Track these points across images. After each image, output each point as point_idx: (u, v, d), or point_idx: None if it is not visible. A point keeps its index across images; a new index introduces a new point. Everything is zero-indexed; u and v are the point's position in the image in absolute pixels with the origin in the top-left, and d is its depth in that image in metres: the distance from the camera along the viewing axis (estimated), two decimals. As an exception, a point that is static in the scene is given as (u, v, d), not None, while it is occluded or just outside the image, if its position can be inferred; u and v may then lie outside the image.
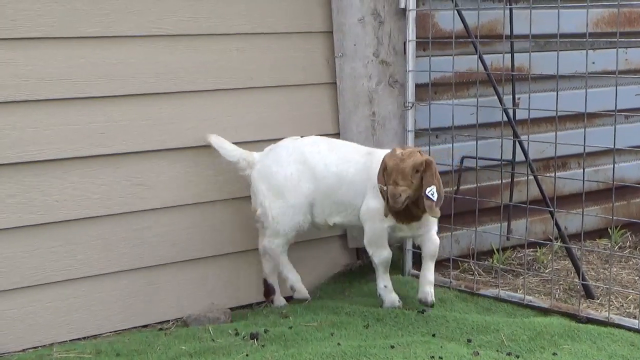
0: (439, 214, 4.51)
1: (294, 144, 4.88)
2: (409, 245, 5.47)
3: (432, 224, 4.77)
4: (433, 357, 4.12)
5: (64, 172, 4.60)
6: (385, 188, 4.50)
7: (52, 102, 4.55)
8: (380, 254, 4.78)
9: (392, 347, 4.26)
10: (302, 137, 4.95)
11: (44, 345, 4.59)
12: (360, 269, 5.52)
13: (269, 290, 5.04)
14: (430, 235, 4.81)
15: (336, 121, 5.40)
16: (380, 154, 4.66)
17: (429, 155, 4.76)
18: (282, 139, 5.03)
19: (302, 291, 5.00)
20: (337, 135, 5.39)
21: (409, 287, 5.26)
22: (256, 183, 4.85)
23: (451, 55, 5.33)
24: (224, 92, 5.02)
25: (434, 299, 4.79)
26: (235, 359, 4.14)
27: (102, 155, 4.69)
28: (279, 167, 4.83)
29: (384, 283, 4.88)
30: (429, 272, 4.81)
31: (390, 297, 4.88)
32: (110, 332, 4.75)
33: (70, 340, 4.65)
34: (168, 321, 4.92)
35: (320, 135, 5.12)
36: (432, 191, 4.46)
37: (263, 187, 4.83)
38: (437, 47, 5.49)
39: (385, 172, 4.50)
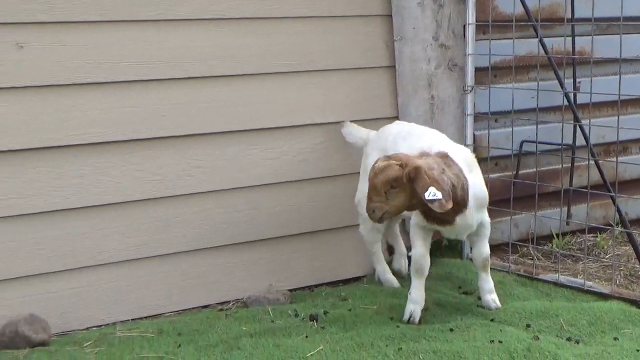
0: (450, 206, 4.14)
1: (397, 128, 4.85)
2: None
3: (481, 232, 4.57)
4: (492, 341, 4.11)
5: (126, 154, 4.65)
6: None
7: (115, 84, 4.60)
8: (414, 251, 4.57)
9: (451, 330, 4.26)
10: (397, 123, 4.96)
11: (107, 324, 4.66)
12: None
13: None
14: (480, 245, 4.64)
15: (395, 105, 5.39)
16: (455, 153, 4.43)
17: (472, 144, 4.87)
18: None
19: (388, 282, 4.97)
20: (395, 118, 5.37)
21: (467, 271, 5.26)
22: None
23: (511, 38, 5.31)
24: (284, 75, 5.03)
25: (498, 304, 4.69)
26: (295, 340, 4.17)
27: (162, 138, 4.73)
28: (372, 150, 4.82)
29: (412, 288, 4.55)
30: (484, 282, 4.69)
31: (410, 307, 4.53)
32: (172, 312, 4.79)
33: (132, 320, 4.71)
34: (228, 302, 4.94)
35: (379, 118, 5.13)
36: (431, 193, 4.14)
37: (361, 170, 4.86)
38: (496, 30, 5.46)
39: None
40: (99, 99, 4.56)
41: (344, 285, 5.21)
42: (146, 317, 4.75)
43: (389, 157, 4.23)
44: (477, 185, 4.39)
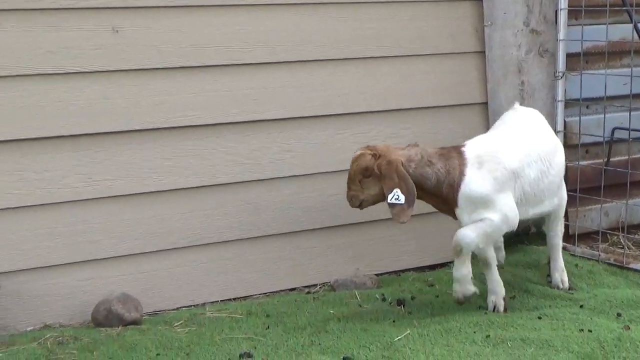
0: (407, 219, 4.15)
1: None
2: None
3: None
4: (582, 329, 4.08)
5: (218, 137, 4.71)
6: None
7: (207, 68, 4.66)
8: None
9: (540, 317, 4.24)
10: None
11: (197, 305, 4.72)
12: (506, 239, 5.39)
13: None
14: (472, 226, 4.36)
15: (484, 90, 5.36)
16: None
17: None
18: (429, 107, 5.07)
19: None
20: (484, 104, 5.35)
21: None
22: None
23: (604, 24, 5.24)
24: (373, 60, 5.04)
25: (566, 285, 4.68)
26: (382, 325, 4.19)
27: (254, 121, 4.78)
28: None
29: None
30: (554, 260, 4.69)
31: (460, 287, 4.38)
32: (260, 294, 4.83)
33: (221, 301, 4.77)
34: (315, 285, 4.97)
35: (467, 104, 5.12)
36: (395, 196, 4.17)
37: None
38: (589, 15, 5.39)
39: None
40: (191, 82, 4.62)
41: (430, 270, 5.22)
42: (235, 299, 4.80)
43: (367, 147, 4.28)
44: (472, 182, 4.24)
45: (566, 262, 4.96)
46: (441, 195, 4.25)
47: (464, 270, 4.28)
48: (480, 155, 4.30)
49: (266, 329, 4.24)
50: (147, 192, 4.60)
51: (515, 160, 4.34)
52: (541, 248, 5.27)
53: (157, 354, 3.95)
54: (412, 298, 4.61)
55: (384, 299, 4.65)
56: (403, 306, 4.48)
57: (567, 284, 4.71)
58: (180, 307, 4.69)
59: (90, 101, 4.43)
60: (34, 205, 4.38)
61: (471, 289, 4.31)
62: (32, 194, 4.37)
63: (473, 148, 4.33)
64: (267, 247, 4.87)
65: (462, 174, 4.24)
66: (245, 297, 4.83)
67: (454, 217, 4.33)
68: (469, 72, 5.31)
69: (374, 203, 4.32)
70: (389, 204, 4.13)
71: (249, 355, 3.84)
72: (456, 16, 5.25)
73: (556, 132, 5.32)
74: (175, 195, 4.66)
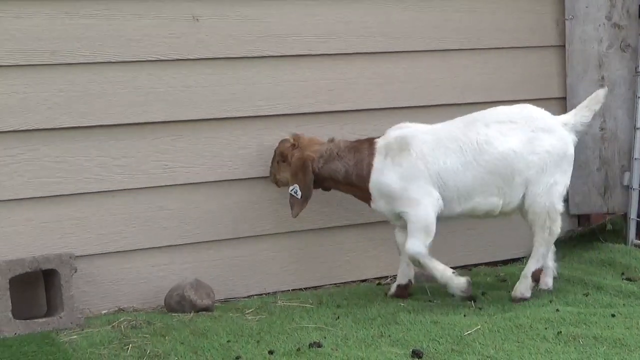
0: (297, 214, 4.42)
1: None
2: (633, 214, 5.31)
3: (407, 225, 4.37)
4: (657, 329, 4.00)
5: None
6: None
7: (283, 58, 4.70)
8: None
9: (613, 316, 4.18)
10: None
11: (269, 293, 4.77)
12: (581, 236, 5.42)
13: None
14: (408, 216, 4.39)
15: (563, 85, 5.31)
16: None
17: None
18: (508, 101, 4.90)
19: (458, 288, 4.47)
20: (563, 99, 5.30)
21: (631, 257, 5.12)
22: None
23: (689, 19, 5.12)
24: (452, 52, 5.03)
25: (517, 294, 4.46)
26: (452, 318, 4.18)
27: (329, 112, 4.80)
28: None
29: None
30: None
31: (455, 283, 4.39)
32: (331, 285, 4.85)
33: (292, 290, 4.81)
34: (386, 277, 4.97)
35: (547, 98, 5.07)
36: (294, 189, 4.41)
37: None
38: (675, 9, 5.25)
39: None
40: (269, 71, 4.66)
41: (502, 265, 5.19)
42: (306, 288, 4.84)
43: (294, 135, 4.48)
44: (378, 172, 4.35)
45: (634, 257, 4.87)
46: (355, 186, 4.43)
47: (439, 271, 4.37)
48: (388, 144, 4.34)
49: (336, 319, 4.24)
50: (221, 180, 4.65)
51: (424, 147, 4.32)
52: (617, 246, 5.21)
53: (228, 341, 3.98)
54: (483, 293, 4.59)
55: (454, 294, 4.56)
56: (474, 301, 4.46)
57: (518, 293, 4.50)
58: (252, 295, 4.73)
59: (169, 89, 4.49)
60: (112, 191, 4.46)
61: (462, 278, 4.37)
62: (111, 179, 4.44)
63: (386, 137, 4.39)
64: (339, 237, 4.88)
65: (369, 165, 4.37)
66: (316, 287, 4.85)
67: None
68: (549, 66, 5.28)
69: (285, 185, 4.54)
70: (289, 193, 4.41)
71: (319, 344, 3.85)
72: (537, 9, 5.22)
73: (635, 128, 5.23)
74: (248, 184, 4.69)
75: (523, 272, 4.47)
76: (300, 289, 4.82)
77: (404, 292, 4.58)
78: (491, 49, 5.11)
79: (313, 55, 4.73)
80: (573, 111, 4.55)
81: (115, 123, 4.42)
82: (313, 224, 4.83)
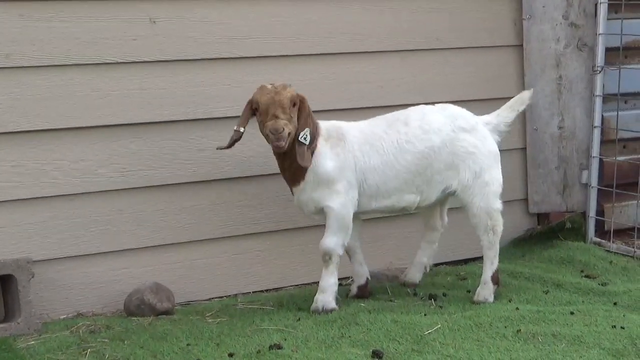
0: (310, 163, 4.18)
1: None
2: (591, 212, 5.36)
3: (327, 219, 4.32)
4: (615, 326, 4.03)
5: (253, 129, 4.53)
6: (242, 130, 4.21)
7: (242, 60, 4.70)
8: None
9: (572, 313, 4.20)
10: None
11: (229, 296, 4.76)
12: (540, 234, 5.46)
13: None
14: (329, 210, 4.31)
15: (521, 84, 5.33)
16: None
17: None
18: (467, 100, 4.97)
19: (322, 302, 4.43)
20: (522, 98, 5.30)
21: (590, 254, 5.18)
22: None
23: (644, 17, 5.16)
24: (410, 52, 5.05)
25: (318, 307, 4.35)
26: (413, 318, 4.17)
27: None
28: None
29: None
30: (321, 279, 4.38)
31: (323, 297, 4.37)
32: (292, 286, 4.84)
33: (253, 292, 4.80)
34: (347, 278, 4.89)
35: (504, 97, 4.93)
36: (305, 135, 4.17)
37: None
38: (629, 9, 5.37)
39: (259, 111, 4.17)
40: (226, 74, 4.64)
41: (463, 264, 5.20)
42: (267, 290, 4.83)
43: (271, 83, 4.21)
44: (320, 156, 4.24)
45: (601, 258, 4.95)
46: (296, 161, 4.21)
47: (331, 280, 4.33)
48: (329, 130, 4.30)
49: (297, 320, 4.23)
50: (180, 183, 4.64)
51: (354, 142, 4.30)
52: (576, 244, 5.25)
53: (188, 344, 3.96)
54: (444, 294, 4.60)
55: (415, 293, 4.64)
56: (434, 300, 4.47)
57: (481, 298, 4.49)
58: (212, 298, 4.72)
59: (126, 91, 4.46)
60: (69, 194, 4.43)
61: (333, 302, 4.34)
62: (68, 183, 4.42)
63: (325, 123, 4.33)
64: (299, 239, 4.87)
65: (314, 147, 4.25)
66: (277, 289, 4.85)
67: (293, 188, 4.31)
68: (506, 65, 5.31)
69: (292, 139, 4.23)
70: (298, 141, 4.14)
71: (279, 346, 3.84)
72: (494, 9, 5.25)
73: (594, 127, 5.28)
74: (208, 186, 4.68)
75: (482, 279, 4.48)
76: (261, 291, 4.81)
77: (365, 291, 4.57)
78: (449, 49, 5.13)
79: (271, 57, 4.73)
80: (496, 112, 4.56)
81: (72, 126, 4.39)
82: (273, 226, 4.83)
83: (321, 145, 4.27)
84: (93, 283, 4.49)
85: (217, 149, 4.27)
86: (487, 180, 4.40)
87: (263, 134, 4.18)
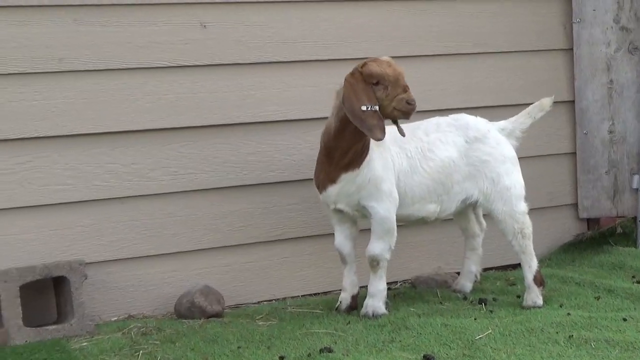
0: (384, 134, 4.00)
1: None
2: (641, 216, 5.30)
3: (372, 225, 4.24)
4: (669, 332, 3.96)
5: (304, 133, 4.75)
6: (374, 108, 3.99)
7: (294, 64, 4.73)
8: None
9: (625, 320, 4.14)
10: None
11: (278, 299, 4.75)
12: (590, 239, 5.40)
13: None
14: (371, 240, 4.29)
15: (571, 88, 5.32)
16: None
17: None
18: (515, 105, 4.91)
19: (372, 308, 4.40)
20: (571, 102, 5.31)
21: (640, 261, 5.08)
22: None
23: (697, 21, 5.09)
24: (458, 56, 5.02)
25: (369, 312, 4.31)
26: (463, 322, 4.14)
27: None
28: None
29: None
30: (369, 284, 4.33)
31: (372, 302, 4.34)
32: (340, 290, 4.71)
33: (302, 296, 4.80)
34: (396, 282, 4.93)
35: (554, 102, 4.90)
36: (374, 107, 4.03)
37: None
38: (683, 12, 5.26)
39: (382, 84, 4.00)
40: (277, 77, 4.64)
41: (512, 270, 5.13)
42: (316, 294, 4.81)
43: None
44: (372, 151, 4.14)
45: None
46: (353, 149, 4.09)
47: (380, 285, 4.28)
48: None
49: (347, 324, 4.21)
50: (230, 187, 4.63)
51: (390, 142, 4.21)
52: (627, 249, 5.21)
53: (239, 347, 3.97)
54: (494, 299, 4.57)
55: (465, 298, 4.62)
56: (484, 304, 4.44)
57: (530, 302, 4.46)
58: (262, 301, 4.72)
59: (178, 95, 4.49)
60: (121, 197, 4.45)
61: (383, 307, 4.30)
62: (120, 185, 4.43)
63: None
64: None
65: (368, 141, 4.14)
66: (326, 293, 4.82)
67: (342, 175, 4.14)
68: (556, 69, 5.28)
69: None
70: (370, 111, 3.98)
71: (330, 350, 3.83)
72: (543, 13, 5.22)
73: (646, 132, 5.18)
74: (259, 190, 4.68)
75: (525, 284, 4.44)
76: (310, 295, 4.79)
77: (356, 301, 4.47)
78: (498, 53, 5.10)
79: (322, 61, 4.73)
80: (514, 117, 4.50)
81: (124, 130, 4.42)
82: (324, 229, 4.78)
83: (371, 142, 4.19)
84: (144, 285, 4.51)
85: (401, 135, 4.18)
86: (507, 185, 4.35)
87: (386, 108, 4.03)
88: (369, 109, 3.94)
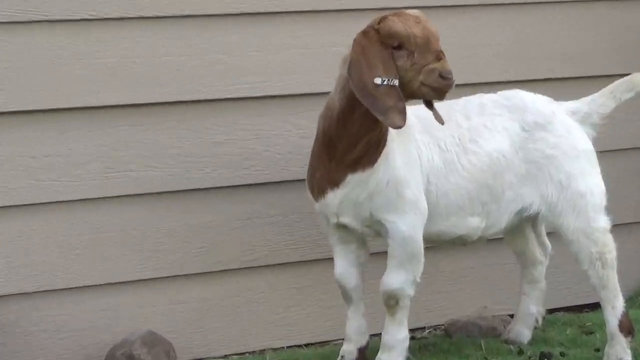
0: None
1: None
2: None
3: (390, 246, 3.57)
4: None
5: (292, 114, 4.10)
6: (392, 82, 3.34)
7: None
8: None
9: None
10: None
11: (254, 352, 4.03)
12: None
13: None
14: (388, 269, 3.68)
15: None
16: None
17: None
18: (595, 78, 4.28)
19: None
20: None
21: None
22: None
23: None
24: (511, 6, 4.30)
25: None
26: (519, 390, 3.63)
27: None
28: None
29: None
30: (385, 331, 3.67)
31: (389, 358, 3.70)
32: (341, 340, 3.96)
33: (287, 347, 4.08)
34: (423, 328, 4.32)
35: None
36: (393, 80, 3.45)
37: None
38: None
39: (407, 49, 3.36)
40: (258, 36, 3.95)
41: (589, 311, 4.50)
42: (308, 345, 4.11)
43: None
44: (390, 143, 3.49)
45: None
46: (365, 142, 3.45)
47: (400, 333, 3.64)
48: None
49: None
50: (187, 190, 3.90)
51: (415, 130, 3.62)
52: None
53: None
54: (562, 354, 3.93)
55: (520, 352, 4.00)
56: (551, 362, 3.92)
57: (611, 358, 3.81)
58: (230, 355, 4.02)
59: (107, 62, 3.76)
60: (23, 206, 3.71)
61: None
62: (22, 190, 3.70)
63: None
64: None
65: (385, 132, 3.50)
66: (322, 343, 4.12)
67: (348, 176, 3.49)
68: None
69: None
70: (388, 85, 3.38)
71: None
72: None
73: None
74: (226, 195, 3.95)
75: (607, 332, 3.81)
76: (299, 346, 4.10)
77: (365, 355, 3.81)
78: (574, 1, 4.40)
79: (323, 12, 4.01)
80: (590, 97, 3.97)
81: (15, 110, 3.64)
82: (318, 253, 4.05)
83: (392, 132, 3.58)
84: (61, 330, 3.82)
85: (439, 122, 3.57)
86: (581, 191, 3.77)
87: (411, 82, 3.40)
88: (385, 82, 3.35)
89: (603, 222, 3.78)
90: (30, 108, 3.63)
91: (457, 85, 3.54)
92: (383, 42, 3.39)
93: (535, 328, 4.13)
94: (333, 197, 3.51)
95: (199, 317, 3.99)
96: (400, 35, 3.36)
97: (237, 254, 3.98)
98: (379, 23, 3.41)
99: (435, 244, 3.84)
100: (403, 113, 3.33)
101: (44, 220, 3.76)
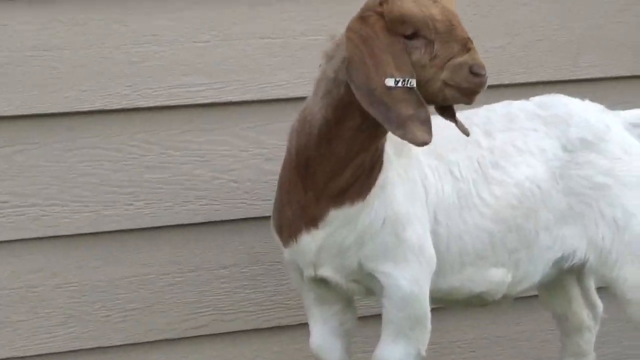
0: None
1: None
2: None
3: (386, 305, 3.05)
4: None
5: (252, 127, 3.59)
6: (409, 82, 2.85)
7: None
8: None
9: None
10: None
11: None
12: None
13: None
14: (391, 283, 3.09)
15: None
16: None
17: None
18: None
19: None
20: None
21: None
22: None
23: None
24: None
25: None
26: None
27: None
28: None
29: None
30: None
31: None
32: None
33: None
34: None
35: None
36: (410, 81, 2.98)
37: None
38: None
39: (424, 36, 2.85)
40: (206, 20, 3.37)
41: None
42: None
43: None
44: (389, 169, 3.05)
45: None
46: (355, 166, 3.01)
47: None
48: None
49: None
50: (111, 232, 3.23)
51: (419, 152, 3.18)
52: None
53: None
54: None
55: None
56: None
57: None
58: None
59: None
60: None
61: None
62: None
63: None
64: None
65: (380, 154, 3.06)
66: None
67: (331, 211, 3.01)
68: None
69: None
70: (405, 87, 2.95)
71: None
72: None
73: None
74: (165, 238, 3.33)
75: None
76: None
77: None
78: None
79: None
80: None
81: None
82: (290, 318, 3.41)
83: (387, 155, 3.04)
84: None
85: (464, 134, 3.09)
86: None
87: (431, 82, 2.90)
88: (400, 84, 2.84)
89: None
90: None
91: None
92: (391, 29, 2.82)
93: None
94: (309, 241, 2.90)
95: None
96: (415, 19, 2.79)
97: (177, 319, 3.26)
98: (381, 4, 2.80)
99: (446, 304, 3.27)
100: (427, 124, 2.75)
101: None
